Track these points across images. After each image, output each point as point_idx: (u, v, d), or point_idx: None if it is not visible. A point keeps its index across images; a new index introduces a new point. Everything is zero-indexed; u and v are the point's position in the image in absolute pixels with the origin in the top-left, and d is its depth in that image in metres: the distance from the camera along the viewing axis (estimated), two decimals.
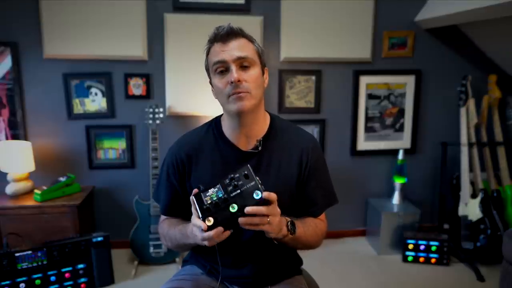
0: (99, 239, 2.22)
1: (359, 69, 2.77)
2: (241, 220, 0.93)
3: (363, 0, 2.65)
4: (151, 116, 2.44)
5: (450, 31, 2.73)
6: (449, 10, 2.37)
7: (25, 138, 2.53)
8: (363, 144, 2.88)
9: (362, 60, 2.75)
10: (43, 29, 2.41)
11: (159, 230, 1.27)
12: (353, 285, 2.36)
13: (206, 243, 0.96)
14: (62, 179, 2.42)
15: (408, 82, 2.84)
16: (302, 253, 1.31)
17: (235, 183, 0.95)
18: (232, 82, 1.05)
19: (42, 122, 2.55)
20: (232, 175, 0.97)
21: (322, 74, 2.75)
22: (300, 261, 1.33)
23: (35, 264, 2.08)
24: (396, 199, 2.83)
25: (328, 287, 2.19)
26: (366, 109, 2.83)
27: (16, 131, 2.52)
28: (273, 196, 0.95)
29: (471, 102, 2.65)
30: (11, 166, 2.36)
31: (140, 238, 2.48)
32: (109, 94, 2.57)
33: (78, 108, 2.57)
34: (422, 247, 2.57)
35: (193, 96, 2.61)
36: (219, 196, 0.95)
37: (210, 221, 0.93)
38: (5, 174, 2.40)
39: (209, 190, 0.98)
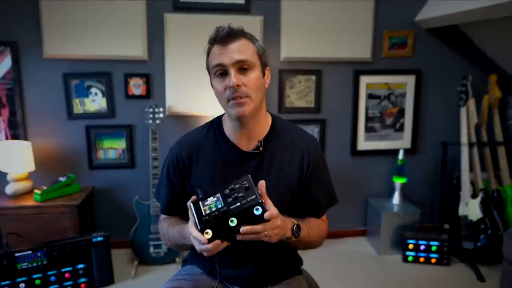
0: (99, 239, 2.22)
1: (359, 69, 2.77)
2: (238, 236, 0.94)
3: (363, 0, 2.66)
4: (151, 116, 2.44)
5: (450, 31, 2.72)
6: (449, 10, 2.37)
7: (25, 138, 2.53)
8: (363, 144, 2.88)
9: (362, 60, 2.75)
10: (43, 29, 2.41)
11: (159, 229, 1.27)
12: (353, 285, 2.36)
13: (204, 253, 0.96)
14: (62, 179, 2.42)
15: (408, 82, 2.83)
16: (302, 253, 1.30)
17: (236, 194, 0.95)
18: (231, 87, 1.05)
19: (42, 122, 2.55)
20: (233, 186, 0.96)
21: (322, 74, 2.75)
22: (300, 261, 1.33)
23: (35, 264, 2.08)
24: (396, 199, 2.83)
25: (328, 287, 2.18)
26: (366, 109, 2.83)
27: (16, 131, 2.52)
28: (274, 214, 0.95)
29: (471, 102, 2.65)
30: (11, 166, 2.36)
31: (140, 238, 2.48)
32: (109, 94, 2.57)
33: (78, 108, 2.56)
34: (422, 247, 2.57)
35: (193, 96, 2.61)
36: (219, 207, 0.94)
37: (209, 234, 0.93)
38: (5, 174, 2.39)
39: (208, 199, 0.97)
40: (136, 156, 2.68)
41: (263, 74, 1.14)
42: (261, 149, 1.15)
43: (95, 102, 2.57)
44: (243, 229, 0.92)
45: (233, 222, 0.93)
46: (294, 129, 1.24)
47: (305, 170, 1.17)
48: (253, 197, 0.94)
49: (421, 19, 2.68)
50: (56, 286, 2.14)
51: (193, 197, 1.00)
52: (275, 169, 1.16)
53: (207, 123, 1.25)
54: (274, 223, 0.96)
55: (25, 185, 2.42)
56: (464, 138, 2.62)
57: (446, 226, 2.67)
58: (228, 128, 1.17)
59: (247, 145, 1.16)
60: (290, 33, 2.63)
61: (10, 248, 2.11)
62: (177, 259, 2.54)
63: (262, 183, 0.98)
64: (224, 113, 1.20)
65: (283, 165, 1.16)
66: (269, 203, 0.97)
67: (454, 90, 2.79)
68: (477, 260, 2.53)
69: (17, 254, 2.04)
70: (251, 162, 1.15)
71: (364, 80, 2.78)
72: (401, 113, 2.88)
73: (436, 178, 2.97)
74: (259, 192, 0.96)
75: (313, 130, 2.80)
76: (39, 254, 2.08)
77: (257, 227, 0.93)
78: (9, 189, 2.38)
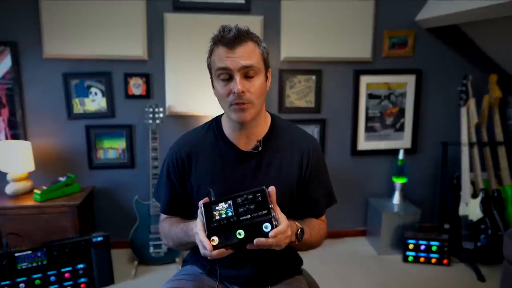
0: (99, 239, 2.22)
1: (359, 68, 2.76)
2: (249, 246, 0.94)
3: (363, 0, 2.65)
4: (151, 116, 2.44)
5: (451, 30, 2.72)
6: (449, 10, 2.37)
7: (25, 138, 2.53)
8: (363, 144, 2.87)
9: (363, 59, 2.75)
10: (43, 29, 2.41)
11: (159, 230, 1.27)
12: (353, 285, 2.36)
13: (208, 257, 0.96)
14: (62, 179, 2.42)
15: (408, 82, 2.83)
16: (302, 253, 1.30)
17: (248, 206, 0.94)
18: (235, 93, 1.03)
19: (42, 122, 2.55)
20: (246, 196, 0.96)
21: (323, 73, 2.74)
22: (300, 261, 1.33)
23: (35, 264, 2.08)
24: (396, 199, 2.82)
25: (328, 287, 2.18)
26: (367, 108, 2.83)
27: (16, 131, 2.52)
28: (282, 230, 0.94)
29: (472, 102, 2.65)
30: (11, 166, 2.36)
31: (140, 238, 2.48)
32: (109, 94, 2.57)
33: (78, 108, 2.56)
34: (422, 247, 2.57)
35: (193, 96, 2.61)
36: (229, 215, 0.95)
37: (215, 241, 0.93)
38: (5, 174, 2.39)
39: (220, 204, 0.96)
40: (136, 156, 2.68)
41: (266, 77, 1.13)
42: (260, 149, 1.15)
43: (95, 102, 2.57)
44: (256, 242, 0.92)
45: (240, 234, 0.93)
46: (294, 129, 1.24)
47: (305, 170, 1.17)
48: (264, 212, 0.94)
49: (421, 19, 2.68)
50: (56, 286, 2.14)
51: (206, 199, 1.00)
52: (274, 169, 1.15)
53: (206, 123, 1.24)
54: (285, 234, 0.96)
55: (25, 185, 2.42)
56: (464, 138, 2.62)
57: (446, 226, 2.67)
58: (228, 128, 1.17)
59: (246, 145, 1.16)
60: (290, 33, 2.63)
61: (10, 248, 2.11)
62: (177, 259, 2.53)
63: (272, 190, 0.98)
64: (224, 113, 1.19)
65: (282, 165, 1.16)
66: (278, 213, 0.97)
67: (454, 90, 2.79)
68: (477, 260, 2.53)
69: (17, 254, 2.04)
70: (250, 162, 1.15)
71: (364, 80, 2.78)
72: (401, 113, 2.88)
73: (436, 178, 2.97)
74: (271, 205, 0.95)
75: (313, 130, 2.80)
76: (39, 254, 2.08)
77: (270, 241, 0.93)
78: (9, 189, 2.38)
